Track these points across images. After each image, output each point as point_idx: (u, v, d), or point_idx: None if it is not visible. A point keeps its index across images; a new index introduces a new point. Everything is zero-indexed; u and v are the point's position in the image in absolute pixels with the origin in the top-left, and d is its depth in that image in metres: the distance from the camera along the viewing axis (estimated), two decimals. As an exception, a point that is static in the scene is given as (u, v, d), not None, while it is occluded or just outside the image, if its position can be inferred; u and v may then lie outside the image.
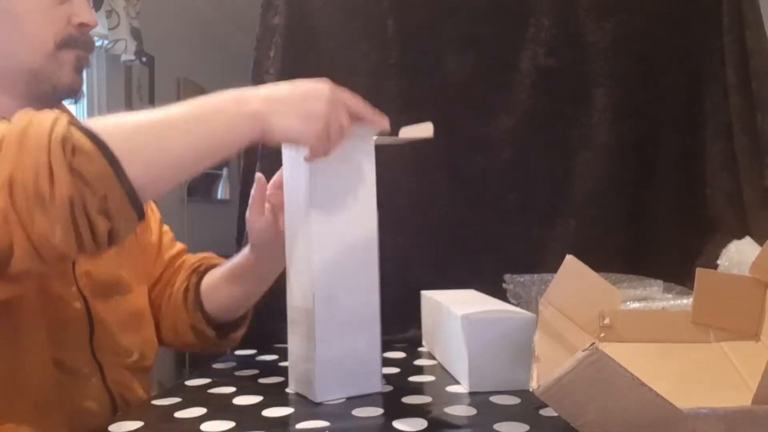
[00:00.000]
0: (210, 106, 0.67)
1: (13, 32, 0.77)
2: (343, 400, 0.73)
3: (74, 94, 0.83)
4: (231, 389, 0.79)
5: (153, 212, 1.01)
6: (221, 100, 0.67)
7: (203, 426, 0.64)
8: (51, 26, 0.79)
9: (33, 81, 0.79)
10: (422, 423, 0.64)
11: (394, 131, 0.77)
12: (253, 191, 0.87)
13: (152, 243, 0.98)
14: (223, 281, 0.94)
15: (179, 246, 1.03)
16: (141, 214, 0.60)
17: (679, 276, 0.99)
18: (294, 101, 0.67)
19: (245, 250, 0.92)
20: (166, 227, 1.03)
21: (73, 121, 0.57)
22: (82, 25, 0.81)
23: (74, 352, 0.76)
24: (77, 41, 0.81)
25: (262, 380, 0.84)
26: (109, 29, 2.47)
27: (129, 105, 2.87)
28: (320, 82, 0.69)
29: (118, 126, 0.60)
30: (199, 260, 1.01)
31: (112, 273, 0.84)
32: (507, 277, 1.01)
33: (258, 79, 1.21)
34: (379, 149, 0.76)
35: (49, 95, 0.80)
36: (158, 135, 0.62)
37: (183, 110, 0.65)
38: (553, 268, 0.77)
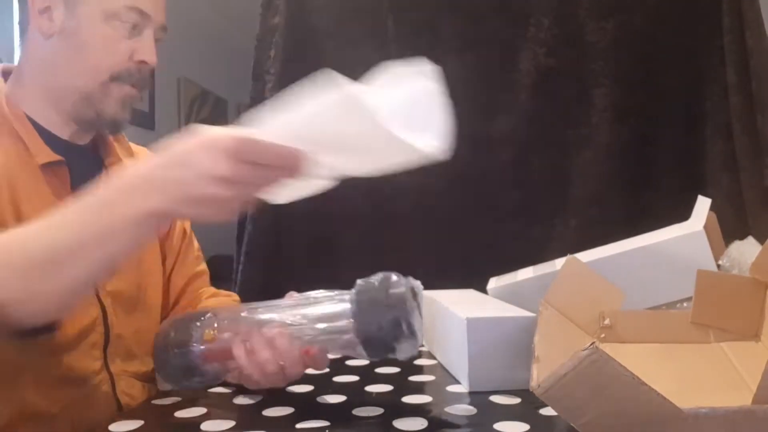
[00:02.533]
0: (103, 224, 0.56)
1: (74, 56, 0.78)
2: (344, 399, 0.73)
3: (117, 128, 0.83)
4: (231, 389, 0.79)
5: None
6: (108, 211, 0.56)
7: (203, 426, 0.64)
8: (112, 58, 0.78)
9: (80, 104, 0.79)
10: (422, 423, 0.63)
11: None
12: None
13: (173, 248, 0.94)
14: None
15: (202, 267, 0.98)
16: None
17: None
18: (173, 187, 0.54)
19: None
20: (197, 244, 0.98)
21: None
22: (141, 63, 0.80)
23: (87, 360, 0.75)
24: (132, 77, 0.80)
25: (262, 380, 0.84)
26: (109, 29, 2.47)
27: (129, 105, 2.87)
28: (192, 148, 0.54)
29: (10, 264, 0.56)
30: (216, 304, 0.92)
31: (132, 285, 0.83)
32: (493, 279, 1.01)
33: (258, 78, 1.21)
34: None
35: (92, 122, 0.81)
36: (52, 270, 0.56)
37: (73, 236, 0.56)
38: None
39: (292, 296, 0.72)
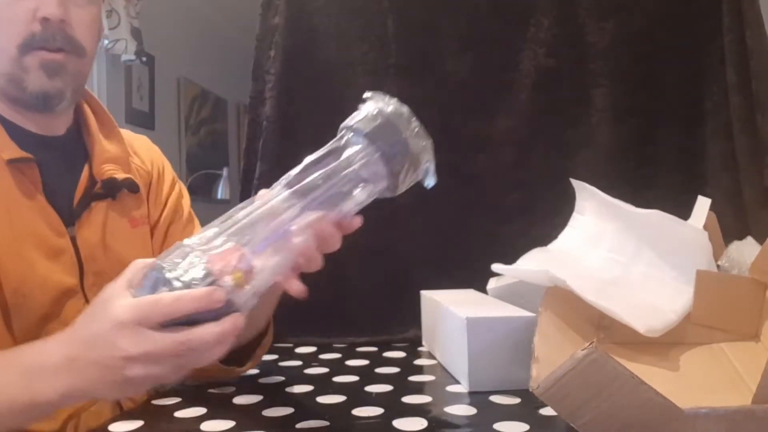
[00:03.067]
0: (27, 397, 0.55)
1: None
2: (344, 399, 0.73)
3: (51, 100, 0.73)
4: (231, 389, 0.79)
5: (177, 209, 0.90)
6: (34, 388, 0.55)
7: (203, 426, 0.64)
8: (12, 26, 0.69)
9: (9, 86, 0.72)
10: (422, 423, 0.63)
11: None
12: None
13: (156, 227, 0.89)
14: None
15: None
16: None
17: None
18: (95, 371, 0.52)
19: None
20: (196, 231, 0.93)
21: None
22: (44, 20, 0.69)
23: None
24: (41, 40, 0.70)
25: (262, 380, 0.84)
26: (110, 29, 2.47)
27: (129, 105, 2.87)
28: (104, 328, 0.51)
29: None
30: None
31: None
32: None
33: (258, 78, 1.21)
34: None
35: (24, 102, 0.73)
36: None
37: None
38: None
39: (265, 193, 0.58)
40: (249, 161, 1.20)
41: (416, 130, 0.59)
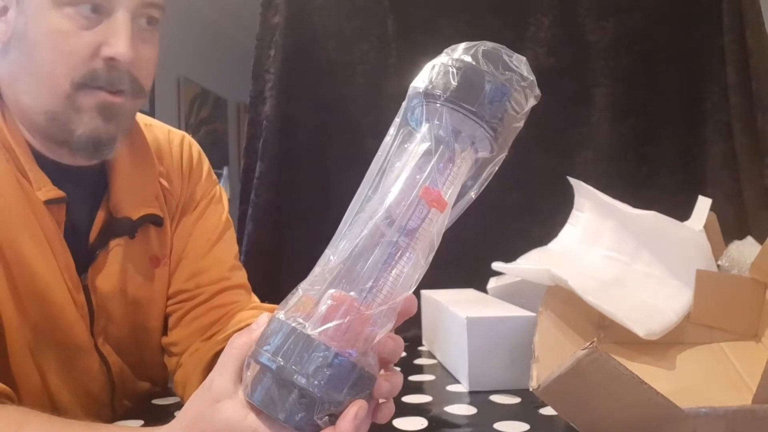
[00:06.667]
0: None
1: (28, 64, 0.61)
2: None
3: (102, 147, 0.64)
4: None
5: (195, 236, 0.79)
6: None
7: (203, 425, 0.64)
8: (69, 59, 0.60)
9: (50, 125, 0.62)
10: (422, 422, 0.63)
11: None
12: None
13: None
14: None
15: (239, 279, 0.80)
16: None
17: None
18: None
19: None
20: (226, 253, 0.80)
21: None
22: (110, 60, 0.60)
23: (93, 404, 0.71)
24: (103, 79, 0.61)
25: (262, 380, 0.84)
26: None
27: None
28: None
29: None
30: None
31: (136, 324, 0.74)
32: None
33: (258, 78, 1.21)
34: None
35: (67, 145, 0.63)
36: None
37: None
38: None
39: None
40: (249, 160, 1.19)
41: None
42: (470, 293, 1.01)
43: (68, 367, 0.67)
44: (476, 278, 1.04)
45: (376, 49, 1.20)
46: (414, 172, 0.44)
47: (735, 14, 1.16)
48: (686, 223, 0.84)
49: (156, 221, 0.73)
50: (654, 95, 1.21)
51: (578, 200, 0.91)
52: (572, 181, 0.90)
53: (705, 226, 0.81)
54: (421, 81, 0.47)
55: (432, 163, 0.45)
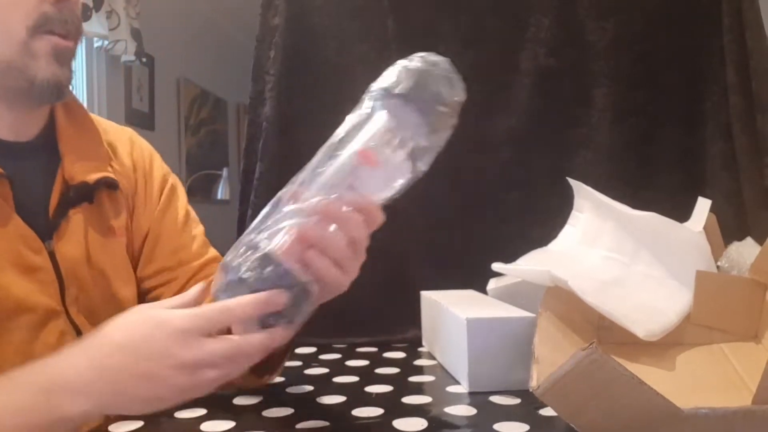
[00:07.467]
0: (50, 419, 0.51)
1: None
2: (344, 399, 0.73)
3: (59, 91, 0.67)
4: (231, 390, 0.78)
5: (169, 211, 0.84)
6: (58, 409, 0.50)
7: (203, 426, 0.64)
8: (20, 6, 0.62)
9: (6, 76, 0.65)
10: (422, 423, 0.63)
11: None
12: None
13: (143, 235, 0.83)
14: None
15: (214, 252, 0.85)
16: None
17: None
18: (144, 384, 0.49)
19: None
20: (196, 230, 0.85)
21: None
22: (58, 1, 0.64)
23: None
24: (54, 22, 0.64)
25: (262, 380, 0.84)
26: (109, 30, 2.48)
27: (129, 105, 2.87)
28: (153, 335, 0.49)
29: None
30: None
31: (105, 293, 0.74)
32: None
33: (258, 79, 1.21)
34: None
35: (27, 93, 0.66)
36: None
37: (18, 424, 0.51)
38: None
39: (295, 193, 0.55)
40: (249, 161, 1.19)
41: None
42: (470, 294, 1.01)
43: (33, 340, 0.67)
44: (476, 279, 1.04)
45: (376, 50, 1.20)
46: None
47: (735, 14, 1.16)
48: (686, 224, 0.84)
49: (112, 184, 0.76)
50: (654, 95, 1.21)
51: (578, 201, 0.91)
52: (572, 182, 0.90)
53: (705, 227, 0.81)
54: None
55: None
